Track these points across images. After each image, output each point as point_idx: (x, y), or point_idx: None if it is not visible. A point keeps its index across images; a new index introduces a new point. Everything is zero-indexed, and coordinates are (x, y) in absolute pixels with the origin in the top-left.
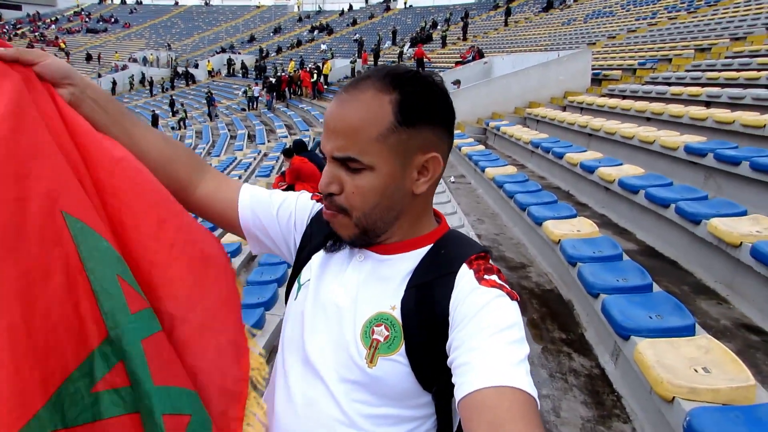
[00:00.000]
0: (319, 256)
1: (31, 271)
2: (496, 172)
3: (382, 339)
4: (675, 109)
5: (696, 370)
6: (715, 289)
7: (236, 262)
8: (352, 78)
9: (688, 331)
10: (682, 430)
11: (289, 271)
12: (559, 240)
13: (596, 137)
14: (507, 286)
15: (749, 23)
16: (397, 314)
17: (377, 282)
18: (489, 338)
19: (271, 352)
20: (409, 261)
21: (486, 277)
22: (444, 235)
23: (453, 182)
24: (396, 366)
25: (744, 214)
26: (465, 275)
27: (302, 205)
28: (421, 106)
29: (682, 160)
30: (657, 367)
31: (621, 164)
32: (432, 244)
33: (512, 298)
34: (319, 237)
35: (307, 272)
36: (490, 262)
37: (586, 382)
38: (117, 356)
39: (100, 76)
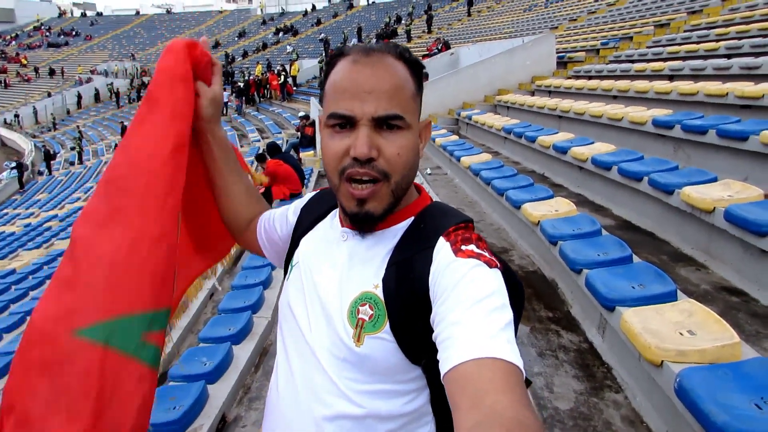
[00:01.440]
0: (308, 239)
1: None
2: (471, 160)
3: (367, 318)
4: (640, 85)
5: (681, 334)
6: (692, 256)
7: (218, 267)
8: (356, 47)
9: (670, 297)
10: (674, 392)
11: (273, 273)
12: (539, 221)
13: (566, 119)
14: (486, 254)
15: None
16: (379, 293)
17: (361, 261)
18: (468, 310)
19: (262, 354)
20: (390, 237)
21: (463, 248)
22: (425, 207)
23: (429, 174)
24: (382, 343)
25: (715, 180)
26: (442, 248)
27: (297, 203)
28: (421, 78)
29: (650, 134)
30: (644, 334)
31: (593, 143)
32: (413, 218)
33: (490, 266)
34: (309, 221)
35: (297, 254)
36: (472, 230)
37: (576, 356)
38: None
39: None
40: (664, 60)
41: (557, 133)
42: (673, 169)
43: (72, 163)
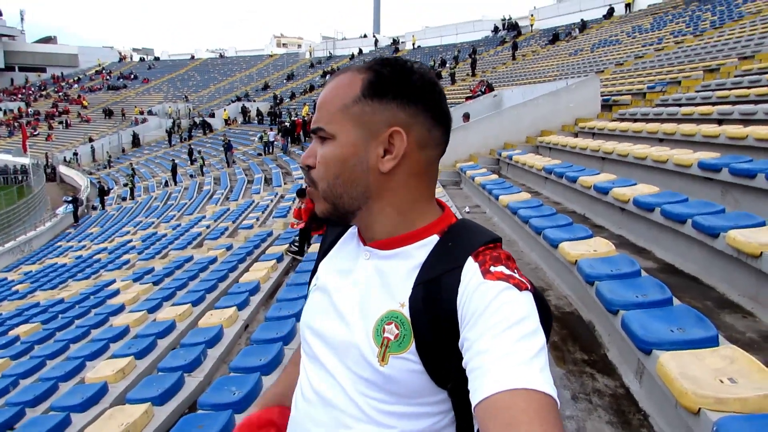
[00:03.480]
0: (327, 261)
1: None
2: (510, 199)
3: (392, 337)
4: (687, 128)
5: (722, 381)
6: (739, 303)
7: (255, 299)
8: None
9: (711, 342)
10: None
11: None
12: (576, 260)
13: (609, 160)
14: (516, 275)
15: (756, 42)
16: (405, 312)
17: (384, 279)
18: (497, 338)
19: None
20: (413, 254)
21: (492, 269)
22: (453, 225)
23: (468, 212)
24: (407, 364)
25: (763, 224)
26: (470, 269)
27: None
28: (390, 82)
29: (696, 177)
30: (681, 379)
31: (635, 184)
32: (439, 237)
33: (521, 289)
34: (326, 244)
35: (316, 278)
36: (501, 248)
37: (611, 401)
38: None
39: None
40: (713, 104)
41: (599, 174)
42: (719, 212)
43: (124, 199)
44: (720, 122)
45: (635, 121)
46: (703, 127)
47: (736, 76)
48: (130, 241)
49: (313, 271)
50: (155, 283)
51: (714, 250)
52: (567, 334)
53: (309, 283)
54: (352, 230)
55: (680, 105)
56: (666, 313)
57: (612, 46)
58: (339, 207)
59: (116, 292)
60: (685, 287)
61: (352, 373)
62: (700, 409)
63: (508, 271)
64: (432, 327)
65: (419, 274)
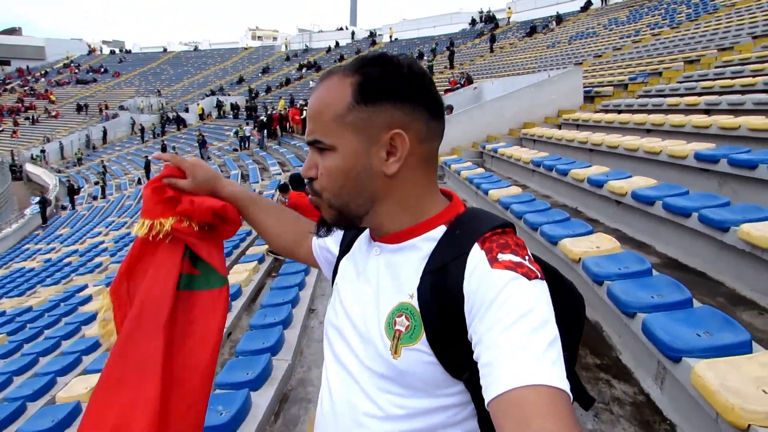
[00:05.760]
0: (345, 260)
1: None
2: (499, 193)
3: (403, 329)
4: (676, 118)
5: (765, 391)
6: (752, 299)
7: (237, 304)
8: (327, 69)
9: (744, 348)
10: None
11: (294, 311)
12: (580, 258)
13: (598, 152)
14: (525, 263)
15: (734, 34)
16: (415, 303)
17: (394, 273)
18: (507, 331)
19: (282, 401)
20: (421, 245)
21: (499, 257)
22: (461, 214)
23: None
24: (420, 355)
25: None
26: (476, 256)
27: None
28: (381, 84)
29: (692, 169)
30: (723, 392)
31: (630, 176)
32: (446, 226)
33: (530, 278)
34: (346, 242)
35: (337, 277)
36: (512, 235)
37: (633, 411)
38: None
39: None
40: (699, 94)
41: (590, 166)
42: (725, 205)
43: (95, 198)
44: (708, 112)
45: (619, 112)
46: (693, 118)
47: (717, 67)
48: (103, 242)
49: (335, 270)
50: None
51: (722, 244)
52: None
53: (332, 281)
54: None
55: (664, 96)
56: (688, 315)
57: (589, 38)
58: (345, 214)
59: (89, 299)
60: (692, 283)
61: (368, 370)
62: (749, 425)
63: (517, 259)
64: (441, 316)
65: (426, 265)
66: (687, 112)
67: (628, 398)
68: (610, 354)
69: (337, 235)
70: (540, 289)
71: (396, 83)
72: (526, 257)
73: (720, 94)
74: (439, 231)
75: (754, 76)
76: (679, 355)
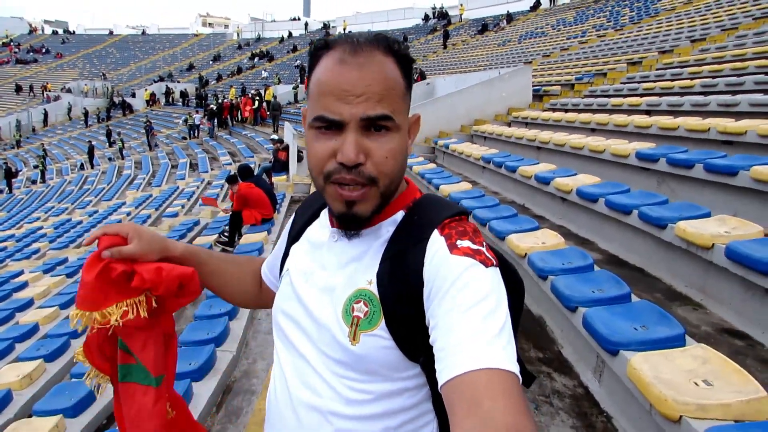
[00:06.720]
0: (298, 245)
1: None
2: (450, 189)
3: (362, 315)
4: (619, 118)
5: (697, 384)
6: (688, 295)
7: None
8: (342, 40)
9: (678, 341)
10: None
11: None
12: (526, 253)
13: (545, 150)
14: (482, 250)
15: (674, 37)
16: (374, 288)
17: (353, 259)
18: (462, 316)
19: (225, 392)
20: (382, 231)
21: (458, 243)
22: (418, 200)
23: None
24: (378, 341)
25: (708, 215)
26: (436, 242)
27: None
28: (411, 71)
29: (633, 167)
30: (657, 384)
31: (576, 174)
32: (405, 212)
33: (486, 265)
34: (297, 228)
35: (288, 262)
36: (469, 221)
37: (572, 403)
38: None
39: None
40: (641, 95)
41: (538, 163)
42: (663, 203)
43: (34, 182)
44: (649, 113)
45: (566, 111)
46: (635, 118)
47: (658, 69)
48: (41, 228)
49: (284, 257)
50: (69, 276)
51: (659, 241)
52: (519, 331)
53: (281, 268)
54: (323, 213)
55: (608, 96)
56: (626, 309)
57: (538, 38)
58: (388, 200)
59: (24, 285)
60: (631, 279)
61: (324, 356)
62: (681, 416)
63: (474, 246)
64: (400, 301)
65: (386, 250)
66: (629, 113)
67: (568, 391)
68: (552, 348)
69: (281, 245)
70: (494, 275)
71: (412, 72)
72: (483, 244)
73: (660, 95)
74: (399, 216)
75: (691, 79)
76: (616, 348)
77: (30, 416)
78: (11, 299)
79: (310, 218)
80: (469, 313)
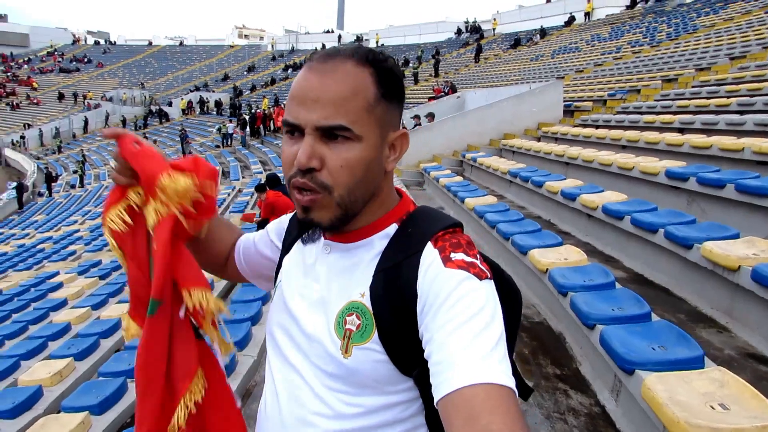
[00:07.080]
0: (290, 257)
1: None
2: (476, 202)
3: (354, 328)
4: (651, 135)
5: (713, 407)
6: (713, 317)
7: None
8: (321, 51)
9: (697, 363)
10: None
11: (264, 307)
12: (547, 269)
13: (573, 166)
14: (476, 263)
15: (712, 54)
16: (366, 301)
17: (346, 271)
18: (457, 331)
19: (244, 396)
20: (375, 244)
21: (452, 256)
22: (412, 212)
23: None
24: (370, 354)
25: (737, 236)
26: (430, 255)
27: (277, 223)
28: (396, 83)
29: (662, 186)
30: (671, 405)
31: (602, 191)
32: (398, 224)
33: (481, 278)
34: (290, 239)
35: (280, 274)
36: (461, 234)
37: (587, 422)
38: None
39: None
40: (674, 113)
41: (565, 179)
42: (691, 223)
43: (73, 186)
44: (682, 131)
45: (597, 127)
46: (667, 136)
47: (694, 87)
48: (78, 231)
49: (278, 268)
50: (102, 278)
51: (686, 261)
52: (537, 346)
53: (275, 279)
54: None
55: (641, 113)
56: (645, 329)
57: (572, 53)
58: (350, 213)
59: (59, 286)
60: (656, 299)
61: (316, 368)
62: None
63: (468, 259)
64: (393, 314)
65: (379, 263)
66: (662, 130)
67: (584, 409)
68: (571, 365)
69: (270, 237)
70: (489, 288)
71: (400, 85)
72: (477, 256)
73: (695, 113)
74: (392, 228)
75: (728, 97)
76: (632, 368)
77: (59, 412)
78: (46, 299)
79: (303, 229)
80: (464, 327)
